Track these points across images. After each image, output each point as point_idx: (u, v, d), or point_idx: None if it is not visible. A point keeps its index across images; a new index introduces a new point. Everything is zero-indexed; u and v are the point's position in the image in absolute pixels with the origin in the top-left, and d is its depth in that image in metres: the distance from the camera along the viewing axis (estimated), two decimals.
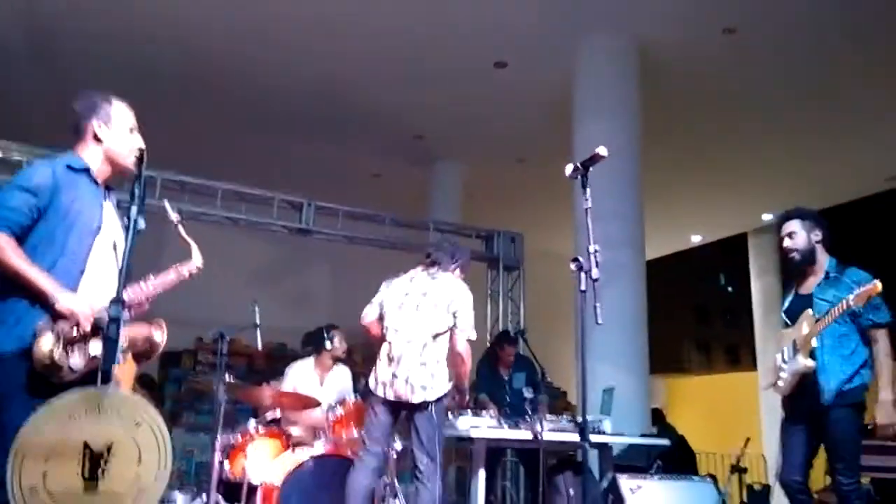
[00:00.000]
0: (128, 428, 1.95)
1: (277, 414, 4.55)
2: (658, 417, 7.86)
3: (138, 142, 2.43)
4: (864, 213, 11.91)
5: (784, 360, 3.37)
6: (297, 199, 6.96)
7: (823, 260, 3.39)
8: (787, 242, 3.41)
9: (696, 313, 13.40)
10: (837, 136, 8.37)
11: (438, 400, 3.40)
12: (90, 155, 2.42)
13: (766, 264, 10.91)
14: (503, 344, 5.67)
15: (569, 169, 2.67)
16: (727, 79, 7.23)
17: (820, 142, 8.58)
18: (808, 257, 3.38)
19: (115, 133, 2.42)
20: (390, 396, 3.44)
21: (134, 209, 2.10)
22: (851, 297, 3.08)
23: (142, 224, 2.10)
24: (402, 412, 3.49)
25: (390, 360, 3.49)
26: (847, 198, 10.32)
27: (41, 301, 2.11)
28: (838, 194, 10.22)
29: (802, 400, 3.27)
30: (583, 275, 2.58)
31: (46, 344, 2.05)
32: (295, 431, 4.54)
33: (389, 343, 3.54)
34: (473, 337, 3.53)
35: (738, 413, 8.67)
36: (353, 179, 9.67)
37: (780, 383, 3.36)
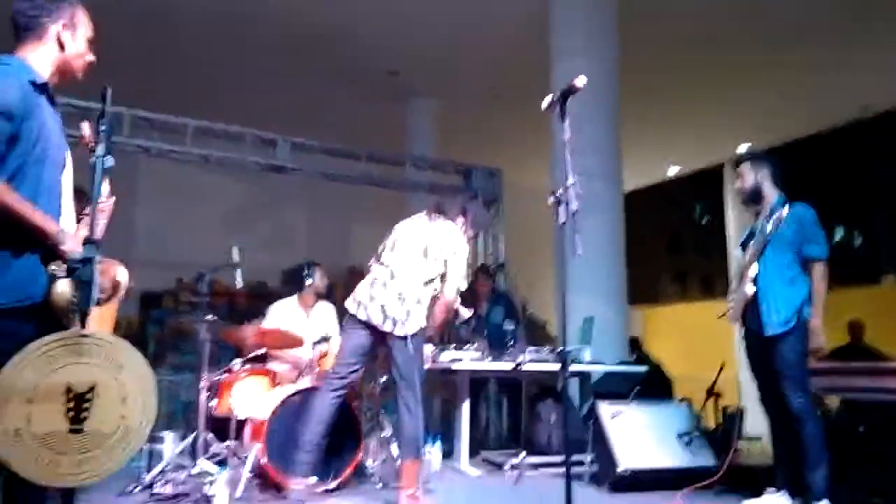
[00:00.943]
0: (111, 370, 1.93)
1: (262, 351, 4.56)
2: (636, 346, 8.03)
3: (90, 56, 2.20)
4: (838, 142, 11.98)
5: (733, 290, 3.64)
6: (270, 135, 6.81)
7: (771, 196, 3.61)
8: (737, 184, 3.71)
9: (671, 244, 13.52)
10: (811, 65, 8.32)
11: (414, 335, 3.44)
12: (41, 62, 2.10)
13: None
14: (477, 276, 5.69)
15: (546, 101, 2.63)
16: (703, 10, 7.09)
17: (795, 72, 8.53)
18: (755, 196, 3.65)
19: (79, 42, 2.17)
20: (362, 316, 3.51)
21: (101, 147, 1.99)
22: (769, 224, 3.36)
23: (110, 162, 2.01)
24: (375, 339, 3.54)
25: (371, 284, 3.54)
26: (822, 126, 10.34)
27: (34, 244, 1.94)
28: (813, 123, 10.23)
29: (751, 327, 3.52)
30: (561, 208, 2.58)
31: (64, 287, 1.92)
32: (280, 369, 4.57)
33: (376, 272, 3.58)
34: (463, 287, 3.55)
35: (713, 340, 8.87)
36: (329, 116, 9.46)
37: (730, 311, 3.64)
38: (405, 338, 3.40)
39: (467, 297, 5.70)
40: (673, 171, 12.26)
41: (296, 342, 4.46)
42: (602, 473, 4.19)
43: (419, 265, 3.53)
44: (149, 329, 8.13)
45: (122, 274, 2.23)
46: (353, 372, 3.59)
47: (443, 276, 3.52)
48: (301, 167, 7.02)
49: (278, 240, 9.77)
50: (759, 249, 3.48)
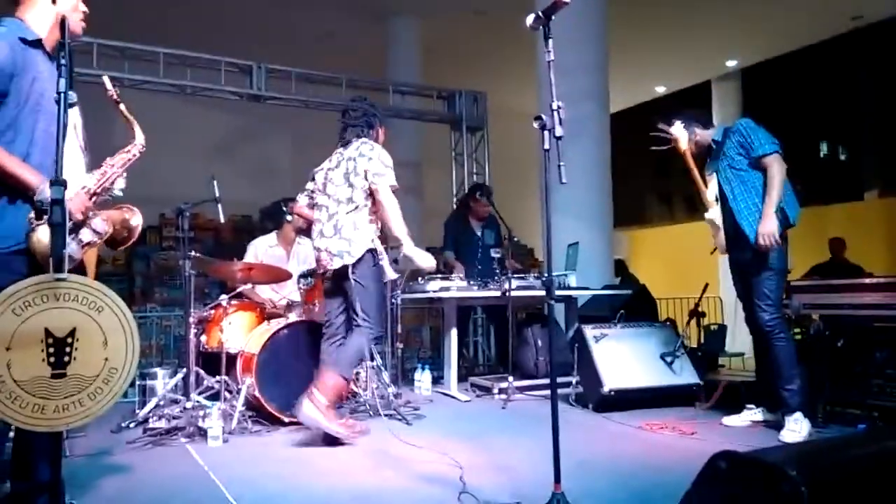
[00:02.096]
0: (89, 313, 1.90)
1: (248, 286, 4.55)
2: (621, 268, 8.12)
3: (82, 5, 2.23)
4: (829, 54, 11.76)
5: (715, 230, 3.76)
6: (245, 62, 6.62)
7: (710, 136, 3.73)
8: (688, 154, 3.75)
9: (658, 166, 13.46)
10: None
11: (359, 261, 3.43)
12: (37, 20, 2.19)
13: (730, 112, 10.87)
14: (477, 195, 5.64)
15: (530, 19, 2.52)
16: None
17: None
18: (705, 149, 3.76)
19: None
20: (320, 269, 3.57)
21: (62, 81, 1.90)
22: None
23: (73, 97, 1.92)
24: (340, 280, 3.55)
25: (317, 235, 3.59)
26: (812, 40, 10.14)
27: (21, 195, 2.02)
28: (803, 36, 10.02)
29: (734, 250, 3.63)
30: (546, 133, 2.52)
31: (41, 235, 1.99)
32: (268, 303, 4.57)
33: (317, 220, 3.64)
34: (391, 182, 3.47)
35: (696, 260, 8.98)
36: (305, 40, 9.16)
37: (719, 250, 3.75)
38: (347, 267, 3.42)
39: (464, 218, 5.72)
40: (660, 89, 12.07)
41: (283, 276, 4.45)
42: (588, 394, 4.28)
43: (345, 190, 3.53)
44: (135, 265, 8.10)
45: (136, 219, 2.28)
46: (341, 315, 3.61)
47: (372, 190, 3.48)
48: (280, 95, 6.84)
49: (263, 172, 9.62)
50: (716, 176, 3.66)
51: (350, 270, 3.41)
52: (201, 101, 7.27)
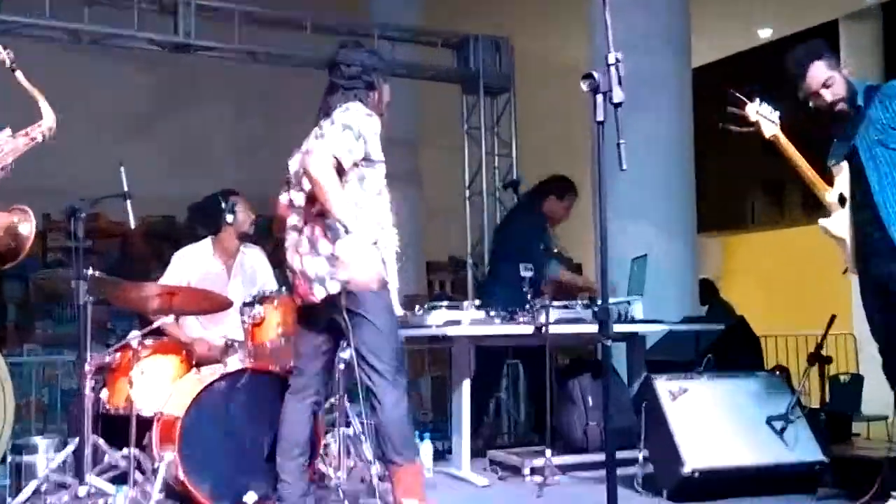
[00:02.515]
0: None
1: (170, 320, 4.57)
2: (709, 292, 8.10)
3: None
4: None
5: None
6: None
7: (847, 89, 3.71)
8: (828, 95, 3.66)
9: (762, 143, 13.43)
10: None
11: (348, 288, 3.36)
12: None
13: (865, 64, 10.86)
14: (563, 195, 5.80)
15: None
16: None
17: None
18: (853, 99, 3.70)
19: None
20: (297, 300, 3.58)
21: None
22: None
23: None
24: (320, 316, 3.56)
25: (290, 250, 3.57)
26: None
27: None
28: None
29: (870, 267, 3.62)
30: (600, 98, 2.56)
31: None
32: (198, 344, 4.60)
33: (289, 230, 3.60)
34: (335, 154, 3.31)
35: (819, 281, 8.94)
36: None
37: (850, 269, 3.75)
38: (337, 297, 3.38)
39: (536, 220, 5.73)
40: (765, 33, 12.08)
41: (220, 304, 4.47)
42: (661, 476, 4.27)
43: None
44: (6, 289, 8.15)
45: (26, 225, 2.29)
46: (318, 361, 3.63)
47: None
48: (216, 44, 6.89)
49: (192, 155, 9.68)
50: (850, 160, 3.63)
51: (342, 300, 3.38)
52: (105, 53, 7.32)
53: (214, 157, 9.91)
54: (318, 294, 3.43)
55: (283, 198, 3.71)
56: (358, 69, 3.60)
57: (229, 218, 4.77)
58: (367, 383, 3.40)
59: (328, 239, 3.39)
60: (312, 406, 3.65)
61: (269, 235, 5.48)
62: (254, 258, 4.94)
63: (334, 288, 3.38)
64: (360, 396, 3.43)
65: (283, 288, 4.36)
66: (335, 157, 3.30)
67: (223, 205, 4.78)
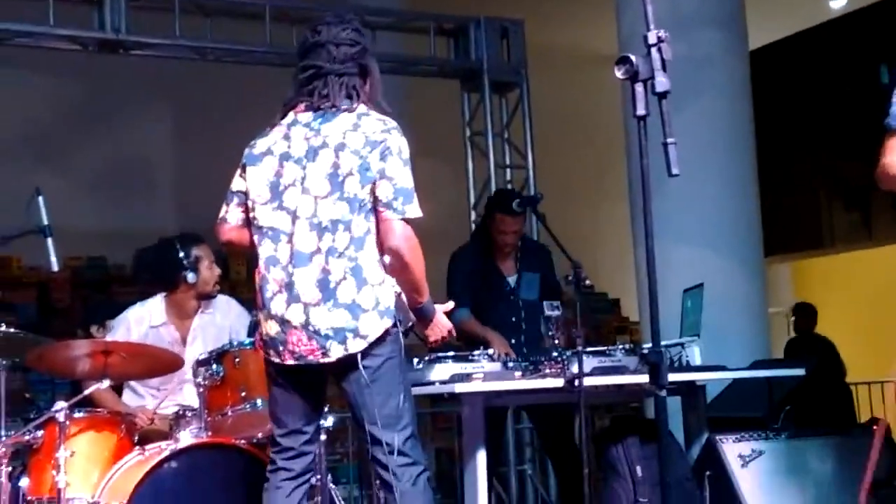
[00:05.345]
0: None
1: (105, 384, 4.56)
2: (805, 321, 8.11)
3: None
4: None
5: None
6: None
7: None
8: None
9: (839, 139, 13.41)
10: None
11: (376, 343, 3.40)
12: None
13: None
14: (494, 212, 5.69)
15: None
16: None
17: None
18: None
19: None
20: (289, 360, 3.48)
21: None
22: None
23: None
24: (315, 382, 3.56)
25: (273, 294, 3.49)
26: None
27: None
28: None
29: None
30: (639, 87, 2.56)
31: None
32: (140, 415, 4.59)
33: (266, 263, 3.52)
34: (416, 214, 3.48)
35: None
36: None
37: None
38: (356, 356, 3.37)
39: (483, 251, 5.69)
40: (837, 4, 12.15)
41: (168, 364, 4.46)
42: None
43: (337, 211, 3.47)
44: None
45: None
46: (306, 442, 3.59)
47: (374, 202, 3.48)
48: (152, 40, 6.92)
49: (124, 179, 9.66)
50: None
51: (360, 360, 3.39)
52: (16, 56, 7.35)
53: (153, 181, 9.87)
54: (335, 354, 3.42)
55: (233, 216, 3.64)
56: (351, 49, 3.59)
57: (190, 277, 4.77)
58: (381, 460, 3.40)
59: (354, 283, 3.41)
60: (307, 489, 3.60)
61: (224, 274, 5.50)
62: (221, 315, 4.96)
63: (356, 347, 3.39)
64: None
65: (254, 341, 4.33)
66: (408, 220, 3.48)
67: (181, 254, 4.78)
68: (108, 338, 4.80)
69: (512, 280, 5.69)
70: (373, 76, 3.68)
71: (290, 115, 3.59)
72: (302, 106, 3.57)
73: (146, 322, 4.86)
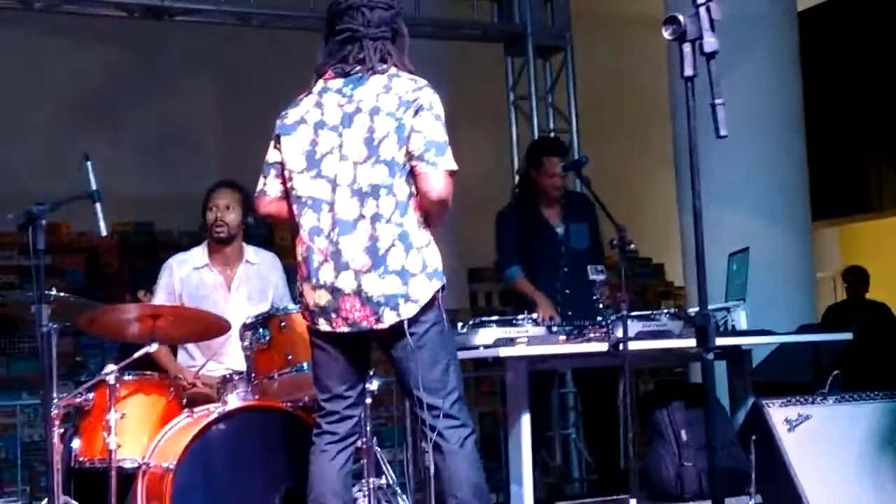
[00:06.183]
0: None
1: (154, 348, 4.59)
2: (857, 285, 8.09)
3: None
4: None
5: None
6: None
7: None
8: None
9: (889, 104, 13.23)
10: None
11: (425, 309, 3.42)
12: None
13: None
14: (541, 156, 5.69)
15: None
16: None
17: None
18: None
19: None
20: (342, 327, 3.49)
21: None
22: None
23: None
24: (361, 347, 3.58)
25: (320, 264, 3.49)
26: None
27: None
28: None
29: None
30: (687, 47, 2.53)
31: None
32: (187, 377, 4.63)
33: (309, 233, 3.52)
34: (450, 165, 3.48)
35: None
36: None
37: None
38: (404, 323, 3.39)
39: (527, 204, 5.70)
40: None
41: (217, 327, 4.49)
42: None
43: (378, 175, 3.45)
44: None
45: None
46: (350, 406, 3.61)
47: (411, 169, 3.47)
48: (198, 5, 6.93)
49: (169, 146, 9.70)
50: None
51: (406, 327, 3.41)
52: (64, 25, 7.37)
53: (199, 147, 9.89)
54: (388, 320, 3.42)
55: (272, 189, 3.66)
56: (385, 13, 3.56)
57: (209, 217, 4.84)
58: (430, 424, 3.43)
59: (402, 249, 3.43)
60: (352, 451, 3.63)
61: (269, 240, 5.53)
62: (265, 264, 4.99)
63: (409, 312, 3.41)
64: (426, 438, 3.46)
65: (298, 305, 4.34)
66: (449, 171, 3.49)
67: (205, 201, 4.86)
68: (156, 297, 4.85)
69: (560, 230, 5.71)
70: (404, 39, 3.65)
71: (320, 83, 3.59)
72: (331, 72, 3.57)
73: (189, 264, 4.94)
